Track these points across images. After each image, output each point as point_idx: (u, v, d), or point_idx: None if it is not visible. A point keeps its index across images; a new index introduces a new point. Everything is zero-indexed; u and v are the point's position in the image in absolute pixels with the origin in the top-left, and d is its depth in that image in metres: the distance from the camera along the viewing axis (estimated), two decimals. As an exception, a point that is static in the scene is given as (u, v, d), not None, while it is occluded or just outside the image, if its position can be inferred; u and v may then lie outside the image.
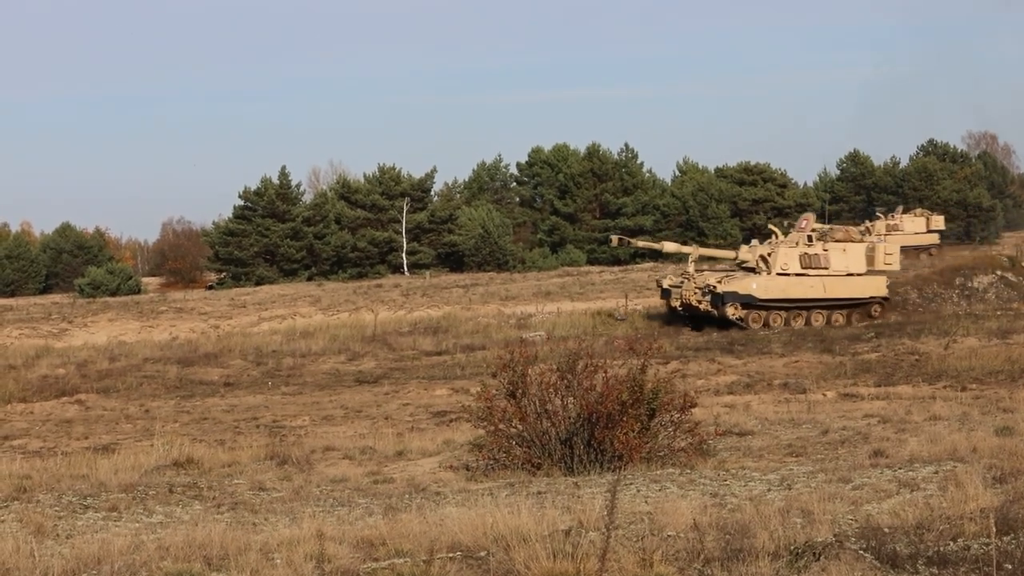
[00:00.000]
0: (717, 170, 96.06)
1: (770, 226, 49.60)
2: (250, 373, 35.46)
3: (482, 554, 9.27)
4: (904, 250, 49.82)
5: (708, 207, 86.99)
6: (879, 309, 43.19)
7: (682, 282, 43.25)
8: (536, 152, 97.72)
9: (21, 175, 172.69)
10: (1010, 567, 8.51)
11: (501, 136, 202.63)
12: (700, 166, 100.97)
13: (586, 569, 8.54)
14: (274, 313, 56.53)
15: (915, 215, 75.08)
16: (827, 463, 14.18)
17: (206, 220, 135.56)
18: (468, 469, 15.37)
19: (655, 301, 46.56)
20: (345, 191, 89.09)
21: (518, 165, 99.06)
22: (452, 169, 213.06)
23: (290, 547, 9.57)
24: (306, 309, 57.58)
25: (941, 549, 8.96)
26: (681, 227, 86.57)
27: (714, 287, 41.91)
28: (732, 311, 41.51)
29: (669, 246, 48.99)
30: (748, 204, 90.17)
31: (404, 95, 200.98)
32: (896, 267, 45.26)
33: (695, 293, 42.34)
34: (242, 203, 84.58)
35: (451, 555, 9.23)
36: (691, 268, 44.10)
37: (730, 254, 46.65)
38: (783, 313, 42.07)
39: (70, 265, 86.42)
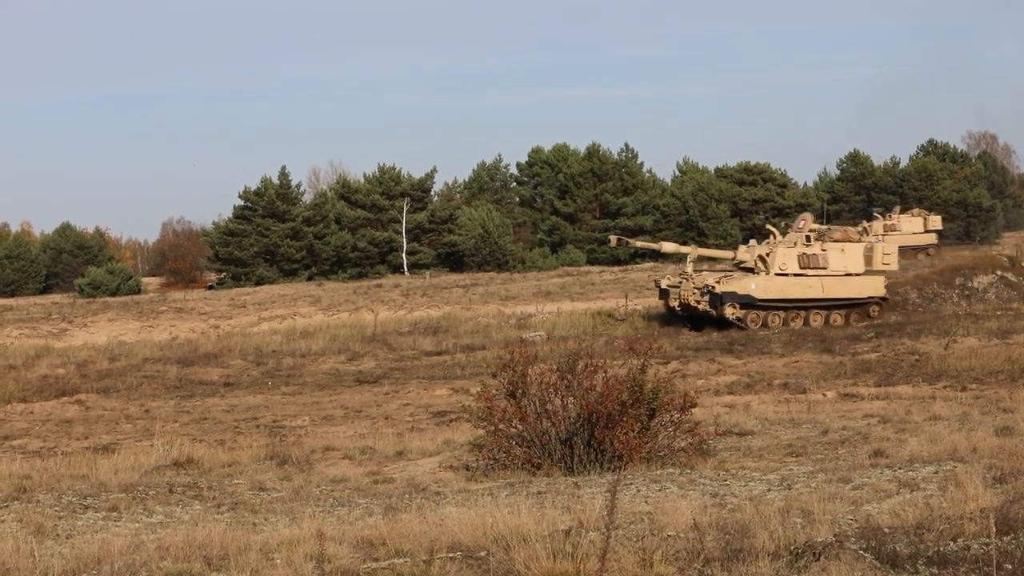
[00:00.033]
0: (717, 170, 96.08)
1: (768, 226, 49.64)
2: (250, 373, 35.46)
3: (482, 554, 9.27)
4: (901, 250, 49.79)
5: (708, 207, 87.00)
6: (877, 309, 43.20)
7: (680, 282, 43.27)
8: (536, 152, 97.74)
9: (21, 175, 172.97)
10: (1010, 567, 8.51)
11: (501, 136, 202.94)
12: (700, 166, 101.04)
13: (586, 569, 8.54)
14: (274, 313, 56.54)
15: (912, 215, 75.12)
16: (827, 463, 14.18)
17: (206, 220, 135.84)
18: (468, 469, 15.37)
19: (655, 301, 46.58)
20: (345, 191, 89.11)
21: (518, 165, 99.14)
22: (452, 169, 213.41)
23: (290, 547, 9.57)
24: (306, 309, 57.59)
25: (941, 549, 8.96)
26: (681, 227, 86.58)
27: (713, 287, 41.94)
28: (731, 311, 41.53)
29: (667, 246, 48.98)
30: (748, 204, 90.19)
31: (404, 95, 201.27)
32: (894, 267, 45.28)
33: (694, 293, 42.37)
34: (242, 203, 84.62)
35: (451, 555, 9.23)
36: (689, 268, 44.10)
37: (728, 254, 46.68)
38: (781, 313, 42.09)
39: (70, 265, 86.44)
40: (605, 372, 14.94)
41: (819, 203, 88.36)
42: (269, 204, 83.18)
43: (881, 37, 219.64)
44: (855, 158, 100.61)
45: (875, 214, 75.33)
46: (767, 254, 43.12)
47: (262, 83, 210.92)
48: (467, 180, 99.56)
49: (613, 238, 49.18)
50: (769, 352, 33.96)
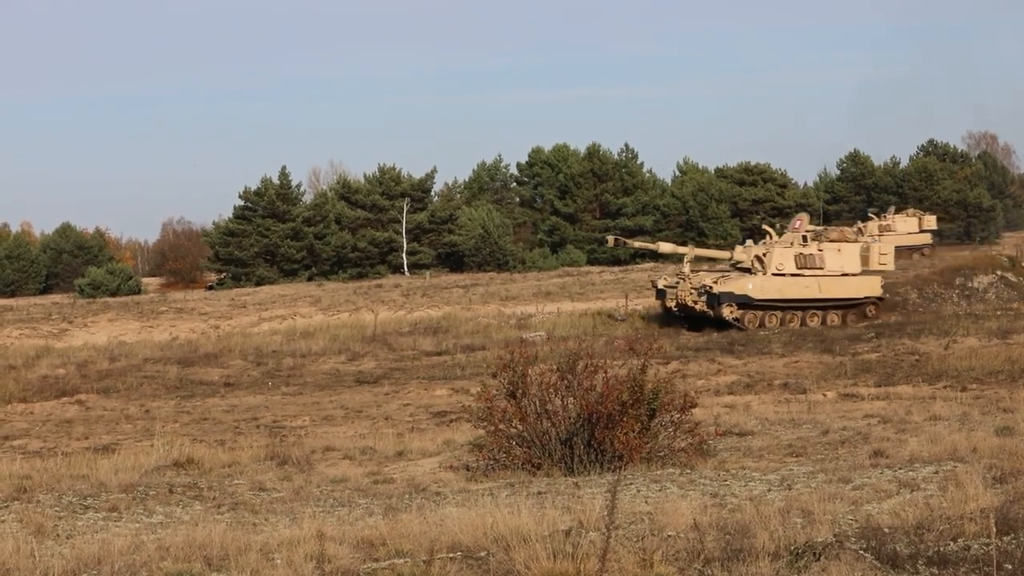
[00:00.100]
0: (717, 170, 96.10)
1: (764, 226, 49.66)
2: (250, 373, 35.46)
3: (482, 554, 9.27)
4: (897, 250, 49.77)
5: (708, 207, 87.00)
6: (874, 309, 43.21)
7: (677, 282, 43.30)
8: (536, 152, 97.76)
9: (21, 175, 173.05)
10: (1010, 567, 8.51)
11: (501, 136, 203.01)
12: (700, 166, 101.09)
13: (586, 569, 8.54)
14: (274, 313, 56.55)
15: (907, 215, 75.09)
16: (827, 463, 14.18)
17: (206, 220, 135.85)
18: (468, 469, 15.36)
19: (654, 301, 46.60)
20: (345, 191, 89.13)
21: (518, 165, 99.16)
22: (452, 169, 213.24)
23: (290, 547, 9.57)
24: (306, 309, 57.59)
25: (941, 549, 8.96)
26: (681, 227, 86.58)
27: (710, 287, 41.96)
28: (728, 311, 41.54)
29: (665, 247, 48.94)
30: (748, 204, 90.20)
31: (404, 95, 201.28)
32: (891, 267, 45.28)
33: (691, 294, 42.40)
34: (242, 203, 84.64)
35: (451, 555, 9.23)
36: (687, 268, 44.13)
37: (725, 255, 46.66)
38: (779, 313, 42.11)
39: (70, 265, 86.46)
40: (605, 372, 14.94)
41: (819, 203, 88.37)
42: (269, 204, 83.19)
43: (881, 37, 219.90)
44: (855, 158, 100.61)
45: (870, 214, 75.35)
46: (764, 254, 43.15)
47: (262, 83, 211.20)
48: (467, 180, 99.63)
49: (611, 238, 49.23)
50: (769, 352, 33.96)
